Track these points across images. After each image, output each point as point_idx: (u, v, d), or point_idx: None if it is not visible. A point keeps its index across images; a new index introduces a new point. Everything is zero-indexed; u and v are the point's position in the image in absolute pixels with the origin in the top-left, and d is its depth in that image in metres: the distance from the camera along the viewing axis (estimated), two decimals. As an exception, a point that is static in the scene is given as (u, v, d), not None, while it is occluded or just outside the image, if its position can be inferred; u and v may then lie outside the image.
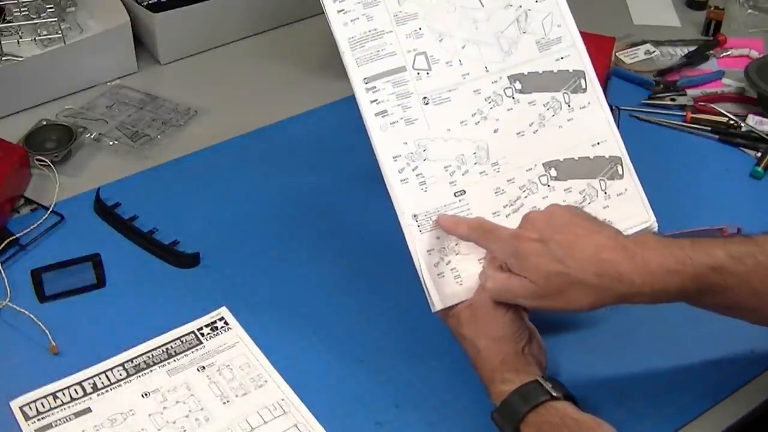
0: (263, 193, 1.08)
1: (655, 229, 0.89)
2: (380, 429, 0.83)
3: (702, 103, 1.22)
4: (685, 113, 1.21)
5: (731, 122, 1.18)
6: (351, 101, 1.22)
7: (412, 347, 0.90)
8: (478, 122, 0.86)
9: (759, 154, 1.14)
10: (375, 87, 0.85)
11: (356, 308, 0.94)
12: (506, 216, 0.86)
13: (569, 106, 0.89)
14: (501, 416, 0.78)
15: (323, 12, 0.86)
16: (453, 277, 0.84)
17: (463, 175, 0.85)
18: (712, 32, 1.38)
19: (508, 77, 0.87)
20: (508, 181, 0.86)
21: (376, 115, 0.84)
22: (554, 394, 0.77)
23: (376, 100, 0.84)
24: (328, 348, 0.89)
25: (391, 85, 0.85)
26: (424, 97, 0.85)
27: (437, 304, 0.83)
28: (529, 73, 0.88)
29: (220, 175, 1.10)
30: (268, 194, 1.08)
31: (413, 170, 0.84)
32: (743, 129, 1.18)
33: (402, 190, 0.84)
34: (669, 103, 1.24)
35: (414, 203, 0.84)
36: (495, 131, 0.87)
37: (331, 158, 1.13)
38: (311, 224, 1.04)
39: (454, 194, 0.85)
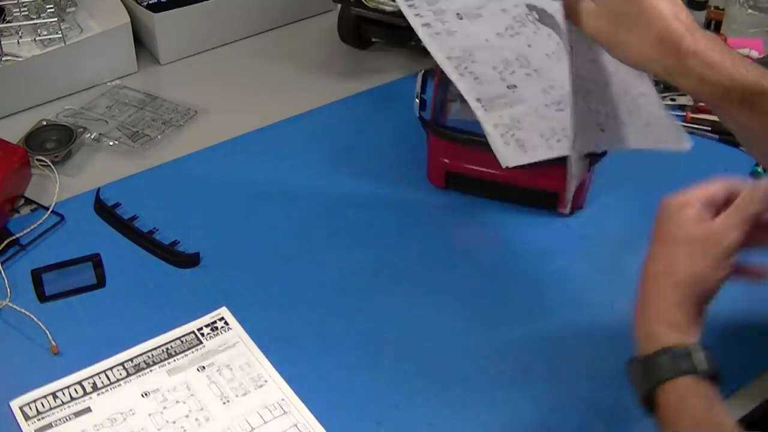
0: (263, 193, 1.08)
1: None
2: (380, 429, 0.83)
3: (702, 104, 1.22)
4: (685, 113, 1.21)
5: (731, 122, 1.18)
6: (351, 101, 1.24)
7: (412, 347, 0.90)
8: (513, 35, 0.89)
9: (759, 154, 1.14)
10: (414, 4, 0.87)
11: (356, 308, 0.94)
12: (555, 110, 0.91)
13: (590, 47, 0.87)
14: (654, 363, 0.71)
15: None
16: (518, 146, 0.94)
17: (511, 74, 0.90)
18: (712, 32, 1.38)
19: (526, 5, 0.87)
20: (551, 86, 0.90)
21: (423, 26, 0.88)
22: (712, 372, 0.71)
23: (419, 14, 0.88)
24: (328, 348, 0.89)
25: (425, 3, 0.87)
26: (458, 13, 0.87)
27: (504, 162, 0.95)
28: (540, 8, 0.87)
29: (220, 175, 1.10)
30: (268, 194, 1.08)
31: (465, 68, 0.90)
32: (743, 129, 1.18)
33: (461, 81, 0.91)
34: (669, 103, 1.23)
35: (474, 91, 0.92)
36: (529, 46, 0.89)
37: (331, 158, 1.13)
38: (311, 224, 1.04)
39: (507, 87, 0.90)
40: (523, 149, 0.94)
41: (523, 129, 0.93)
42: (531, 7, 0.87)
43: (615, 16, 0.78)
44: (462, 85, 0.92)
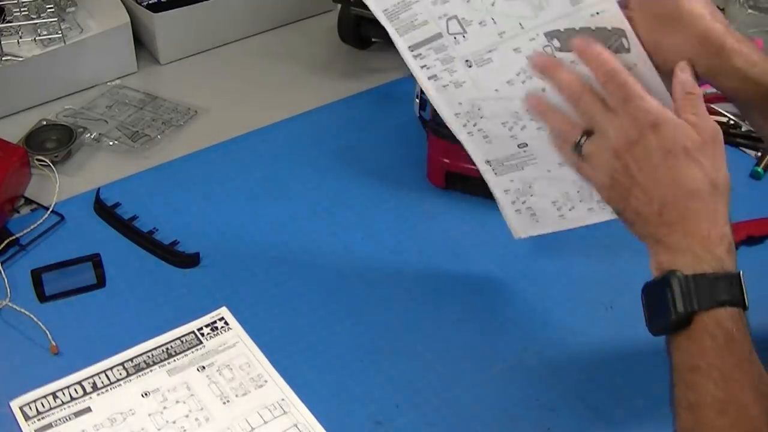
0: (263, 193, 1.08)
1: None
2: (380, 429, 0.83)
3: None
4: (684, 113, 1.20)
5: (731, 122, 1.18)
6: (351, 101, 1.24)
7: (412, 347, 0.90)
8: (524, 81, 0.83)
9: (759, 154, 1.14)
10: (421, 54, 0.85)
11: (356, 308, 0.94)
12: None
13: None
14: (702, 284, 0.67)
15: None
16: (529, 215, 0.90)
17: (521, 129, 0.85)
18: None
19: (544, 34, 0.80)
20: None
21: (429, 78, 0.86)
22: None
23: (425, 65, 0.85)
24: (328, 348, 0.89)
25: (433, 52, 0.84)
26: (467, 60, 0.84)
27: (516, 234, 0.92)
28: (565, 29, 0.80)
29: (220, 175, 1.10)
30: (268, 194, 1.08)
31: (474, 125, 0.87)
32: (743, 129, 1.18)
33: (469, 141, 0.88)
34: (669, 103, 1.23)
35: (483, 152, 0.88)
36: (543, 90, 0.82)
37: (331, 158, 1.13)
38: (311, 224, 1.04)
39: (518, 146, 0.86)
40: (534, 218, 0.90)
41: (535, 195, 0.88)
42: (551, 35, 0.80)
43: (653, 19, 0.76)
44: (470, 146, 0.88)
